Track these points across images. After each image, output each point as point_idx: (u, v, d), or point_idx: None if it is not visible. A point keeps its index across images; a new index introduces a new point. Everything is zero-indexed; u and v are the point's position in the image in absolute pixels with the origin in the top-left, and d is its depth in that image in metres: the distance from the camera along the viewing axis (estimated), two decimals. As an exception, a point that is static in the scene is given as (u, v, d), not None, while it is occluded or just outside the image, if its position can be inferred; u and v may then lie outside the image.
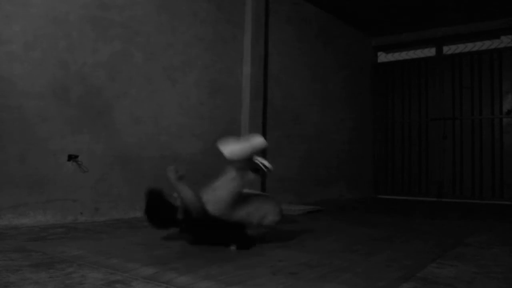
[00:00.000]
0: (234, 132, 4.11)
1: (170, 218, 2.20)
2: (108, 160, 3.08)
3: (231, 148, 2.24)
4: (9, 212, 2.56)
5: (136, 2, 3.28)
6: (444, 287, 1.41)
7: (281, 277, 1.49)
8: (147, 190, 2.31)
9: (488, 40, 5.70)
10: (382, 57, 6.54)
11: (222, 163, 4.12)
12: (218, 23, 3.97)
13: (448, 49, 5.98)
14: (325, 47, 5.36)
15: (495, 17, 5.43)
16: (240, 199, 2.20)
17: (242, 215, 2.17)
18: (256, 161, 2.28)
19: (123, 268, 1.55)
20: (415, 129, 6.13)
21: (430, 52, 6.13)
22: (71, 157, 2.85)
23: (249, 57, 4.20)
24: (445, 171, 5.82)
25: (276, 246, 2.12)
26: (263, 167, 2.27)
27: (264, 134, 4.38)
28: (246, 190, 2.30)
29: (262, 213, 2.20)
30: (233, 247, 2.06)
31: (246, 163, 2.24)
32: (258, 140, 2.26)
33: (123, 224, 2.81)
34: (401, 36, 6.23)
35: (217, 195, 2.20)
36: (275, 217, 2.21)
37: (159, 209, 2.23)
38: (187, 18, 3.68)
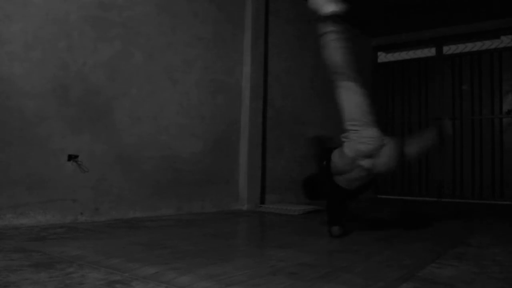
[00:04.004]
0: (234, 132, 4.12)
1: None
2: (108, 160, 3.08)
3: None
4: (9, 212, 2.56)
5: (136, 2, 3.28)
6: (444, 287, 1.41)
7: (281, 277, 1.49)
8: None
9: (488, 40, 5.70)
10: (382, 57, 6.54)
11: (221, 163, 4.13)
12: (218, 23, 3.98)
13: (448, 49, 5.98)
14: (325, 47, 5.35)
15: (495, 17, 5.43)
16: None
17: None
18: None
19: (123, 268, 1.55)
20: (415, 129, 6.13)
21: (430, 52, 6.14)
22: (71, 157, 2.86)
23: (249, 57, 4.20)
24: (445, 171, 5.82)
25: (276, 246, 2.12)
26: None
27: (264, 134, 4.39)
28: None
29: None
30: None
31: None
32: None
33: (123, 224, 2.81)
34: (401, 36, 6.23)
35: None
36: None
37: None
38: (187, 18, 3.68)
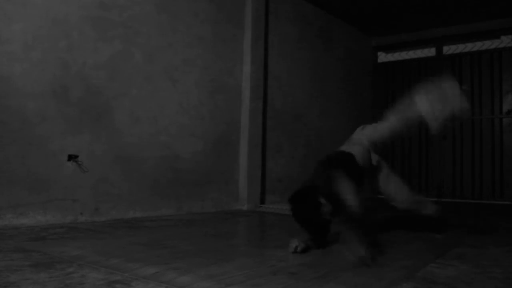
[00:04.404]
0: (234, 132, 4.12)
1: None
2: (108, 160, 3.08)
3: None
4: (9, 212, 2.56)
5: (136, 2, 3.28)
6: (444, 287, 1.41)
7: (281, 277, 1.49)
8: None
9: (488, 40, 5.70)
10: (382, 57, 6.54)
11: (221, 163, 4.13)
12: (218, 23, 3.97)
13: (448, 49, 5.98)
14: (325, 47, 5.36)
15: (495, 17, 5.43)
16: None
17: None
18: None
19: (123, 268, 1.55)
20: (415, 129, 6.12)
21: (430, 52, 6.13)
22: (71, 157, 2.86)
23: (249, 57, 4.20)
24: (445, 171, 5.82)
25: (276, 246, 2.12)
26: None
27: (264, 134, 4.39)
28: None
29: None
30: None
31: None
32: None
33: (123, 224, 2.81)
34: (401, 36, 6.23)
35: None
36: None
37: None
38: (187, 18, 3.68)
